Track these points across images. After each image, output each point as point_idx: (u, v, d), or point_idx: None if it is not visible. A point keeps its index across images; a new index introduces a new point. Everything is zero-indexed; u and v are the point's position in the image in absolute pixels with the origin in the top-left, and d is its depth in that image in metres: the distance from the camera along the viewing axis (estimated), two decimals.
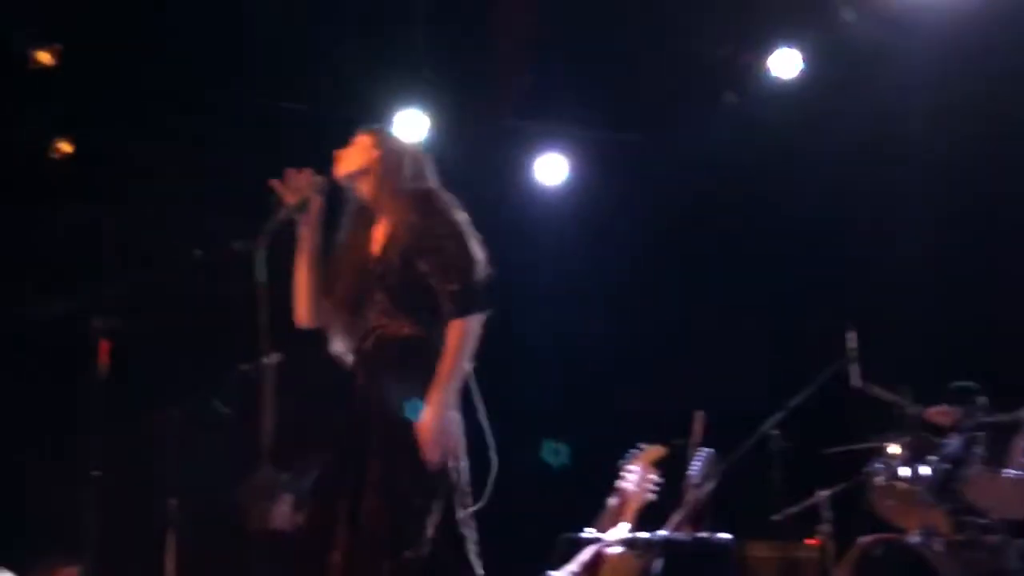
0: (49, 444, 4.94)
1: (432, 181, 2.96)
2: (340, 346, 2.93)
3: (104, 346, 3.03)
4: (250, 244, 2.87)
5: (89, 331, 2.99)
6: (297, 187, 2.86)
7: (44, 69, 4.86)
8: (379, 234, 2.91)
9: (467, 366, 2.78)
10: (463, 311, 2.73)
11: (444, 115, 5.58)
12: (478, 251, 2.81)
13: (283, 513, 3.91)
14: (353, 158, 2.93)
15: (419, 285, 2.78)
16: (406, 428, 2.69)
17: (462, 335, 2.72)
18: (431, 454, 2.66)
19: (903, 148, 5.45)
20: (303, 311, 2.92)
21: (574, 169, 6.09)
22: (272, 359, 4.03)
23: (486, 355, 2.84)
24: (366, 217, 2.96)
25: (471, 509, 2.78)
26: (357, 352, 2.86)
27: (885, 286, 5.51)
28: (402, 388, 2.72)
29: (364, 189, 2.94)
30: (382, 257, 2.85)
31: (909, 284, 5.43)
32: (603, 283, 6.01)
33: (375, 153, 2.92)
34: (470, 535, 2.74)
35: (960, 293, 5.29)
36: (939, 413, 4.31)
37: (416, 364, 2.74)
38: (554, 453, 4.06)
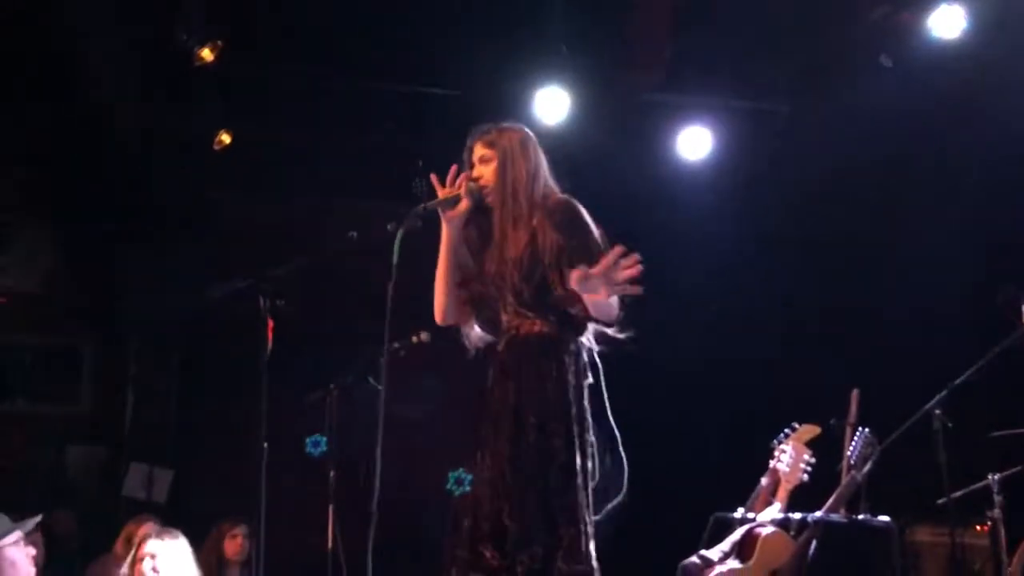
0: (224, 417, 5.32)
1: (555, 187, 2.93)
2: (472, 341, 2.97)
3: (270, 325, 3.18)
4: (402, 225, 2.94)
5: (257, 311, 3.14)
6: (455, 184, 2.89)
7: (206, 65, 5.14)
8: (512, 238, 2.87)
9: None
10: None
11: (584, 92, 5.56)
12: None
13: None
14: (479, 177, 2.89)
15: (551, 291, 2.79)
16: (536, 428, 2.72)
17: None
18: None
19: None
20: (439, 309, 2.96)
21: (718, 142, 5.95)
22: (423, 337, 4.21)
23: (641, 335, 2.83)
24: (490, 215, 2.92)
25: (610, 505, 2.81)
26: (491, 354, 2.91)
27: None
28: (534, 383, 2.76)
29: (490, 195, 2.90)
30: (518, 264, 2.83)
31: None
32: (751, 259, 5.87)
33: (493, 164, 2.89)
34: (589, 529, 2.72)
35: None
36: None
37: (548, 358, 2.77)
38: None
